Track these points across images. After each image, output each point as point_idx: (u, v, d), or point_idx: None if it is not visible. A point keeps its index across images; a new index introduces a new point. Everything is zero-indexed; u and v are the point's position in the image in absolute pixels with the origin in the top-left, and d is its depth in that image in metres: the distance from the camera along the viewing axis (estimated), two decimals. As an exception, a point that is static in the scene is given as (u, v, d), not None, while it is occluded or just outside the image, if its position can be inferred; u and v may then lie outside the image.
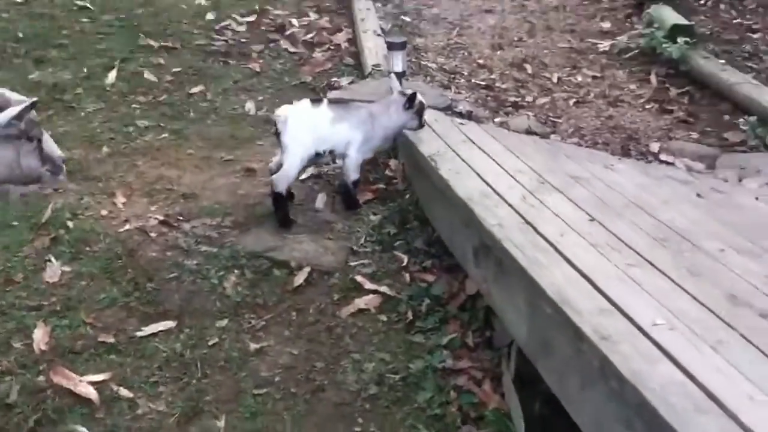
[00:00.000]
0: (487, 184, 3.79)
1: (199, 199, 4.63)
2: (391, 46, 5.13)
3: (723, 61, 6.36)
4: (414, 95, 4.33)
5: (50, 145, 3.09)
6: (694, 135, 5.59)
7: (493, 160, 4.21)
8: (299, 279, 3.96)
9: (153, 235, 4.23)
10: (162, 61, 6.39)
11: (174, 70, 6.24)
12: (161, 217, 4.38)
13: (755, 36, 6.97)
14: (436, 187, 4.00)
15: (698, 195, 4.25)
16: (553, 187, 3.91)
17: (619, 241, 3.29)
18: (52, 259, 3.93)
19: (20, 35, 6.74)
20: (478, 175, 3.92)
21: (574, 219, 3.48)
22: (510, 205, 3.53)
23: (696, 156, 5.29)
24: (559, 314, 2.63)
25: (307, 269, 4.02)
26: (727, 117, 5.83)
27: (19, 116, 2.84)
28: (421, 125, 4.35)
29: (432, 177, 4.05)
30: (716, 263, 3.21)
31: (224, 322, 3.68)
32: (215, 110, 5.68)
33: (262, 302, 3.82)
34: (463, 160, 4.12)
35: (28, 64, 6.25)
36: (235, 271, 4.00)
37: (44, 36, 6.77)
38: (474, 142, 4.51)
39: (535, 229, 3.28)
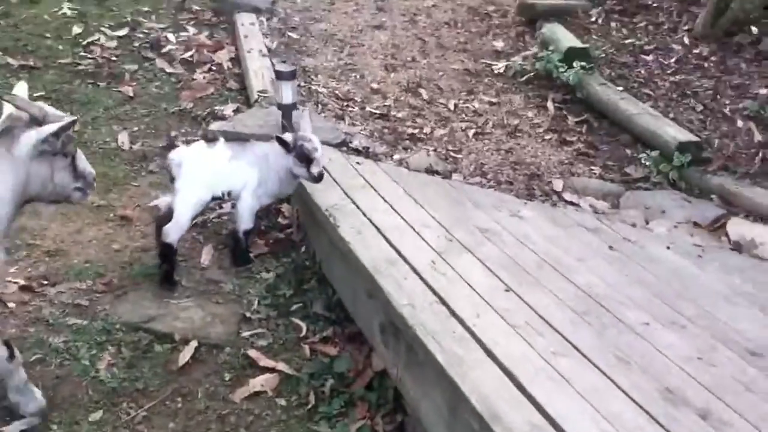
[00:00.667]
0: (392, 246, 3.47)
1: (67, 256, 4.09)
2: (279, 76, 4.67)
3: (620, 87, 6.23)
4: (282, 139, 3.86)
5: (83, 162, 3.01)
6: (596, 170, 5.42)
7: (396, 212, 3.89)
8: (185, 356, 3.51)
9: (12, 305, 3.68)
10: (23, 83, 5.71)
11: (36, 94, 5.56)
12: (22, 282, 3.84)
13: (649, 58, 6.90)
14: (336, 246, 3.64)
15: (610, 247, 4.05)
16: (462, 246, 3.63)
17: (539, 318, 3.04)
18: None
19: None
20: (382, 234, 3.59)
21: (489, 290, 3.20)
22: (419, 275, 3.23)
23: (600, 194, 5.12)
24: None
25: (194, 344, 3.57)
26: (627, 150, 5.70)
27: (56, 134, 2.74)
28: (314, 177, 3.83)
29: (331, 235, 3.69)
30: (643, 343, 3.00)
31: (98, 415, 3.20)
32: (84, 144, 5.07)
33: (142, 387, 3.35)
34: (364, 214, 3.78)
35: None
36: (110, 348, 3.52)
37: None
38: (374, 188, 4.18)
39: (449, 308, 2.98)
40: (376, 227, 3.64)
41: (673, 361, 2.89)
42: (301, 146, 3.79)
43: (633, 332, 3.08)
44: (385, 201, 4.02)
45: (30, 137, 2.75)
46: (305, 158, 3.79)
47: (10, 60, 5.99)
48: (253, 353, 3.57)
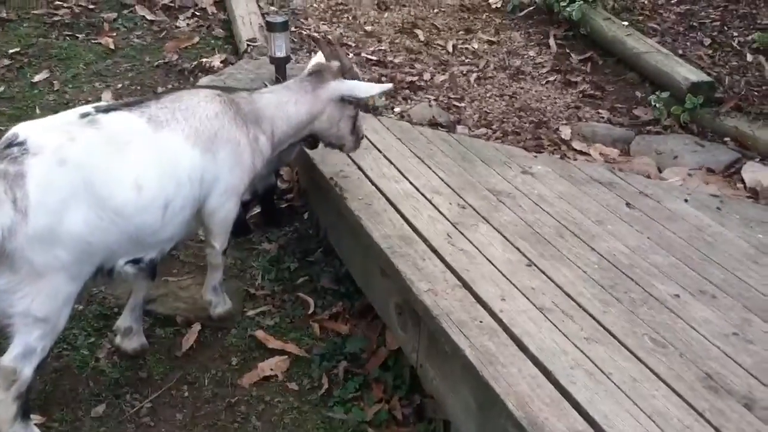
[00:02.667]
0: (405, 220, 3.27)
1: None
2: (270, 27, 4.39)
3: (625, 22, 5.93)
4: None
5: (361, 120, 3.38)
6: (603, 113, 5.19)
7: (404, 176, 3.69)
8: (189, 340, 3.34)
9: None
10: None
11: (11, 51, 5.25)
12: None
13: (651, -14, 6.60)
14: (344, 218, 3.43)
15: (628, 204, 3.86)
16: (476, 213, 3.44)
17: (566, 297, 2.87)
18: None
19: None
20: (393, 205, 3.38)
21: (511, 266, 3.02)
22: (437, 253, 3.04)
23: (609, 140, 4.91)
24: (528, 441, 2.17)
25: (197, 326, 3.39)
26: (635, 91, 5.45)
27: (374, 94, 3.34)
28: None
29: (339, 207, 3.48)
30: (676, 320, 2.84)
31: (101, 409, 3.03)
32: (66, 104, 4.79)
33: (145, 375, 3.19)
34: (372, 182, 3.57)
35: None
36: (109, 334, 3.32)
37: None
38: (378, 149, 3.96)
39: (472, 292, 2.80)
40: (385, 197, 3.43)
41: (710, 339, 2.74)
42: None
43: (665, 308, 2.91)
44: (392, 164, 3.80)
45: (339, 86, 3.14)
46: None
47: (-21, 12, 5.64)
48: (260, 334, 3.40)
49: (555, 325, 2.66)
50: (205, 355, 3.31)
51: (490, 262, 3.03)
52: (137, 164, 2.59)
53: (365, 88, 3.21)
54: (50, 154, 2.43)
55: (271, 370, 3.26)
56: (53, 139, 2.47)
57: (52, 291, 2.49)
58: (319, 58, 3.32)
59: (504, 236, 3.27)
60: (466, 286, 2.83)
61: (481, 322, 2.62)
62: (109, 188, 2.51)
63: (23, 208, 2.33)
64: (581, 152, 4.69)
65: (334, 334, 3.43)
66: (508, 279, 2.92)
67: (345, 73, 3.18)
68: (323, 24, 5.92)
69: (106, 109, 2.65)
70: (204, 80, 4.74)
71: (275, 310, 3.55)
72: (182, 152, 2.73)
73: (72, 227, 2.43)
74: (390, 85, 3.33)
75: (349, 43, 5.67)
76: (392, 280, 3.00)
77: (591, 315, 2.77)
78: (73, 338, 3.30)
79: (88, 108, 2.66)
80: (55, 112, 4.63)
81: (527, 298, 2.81)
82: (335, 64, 3.18)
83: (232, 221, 3.10)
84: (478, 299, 2.75)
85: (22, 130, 2.47)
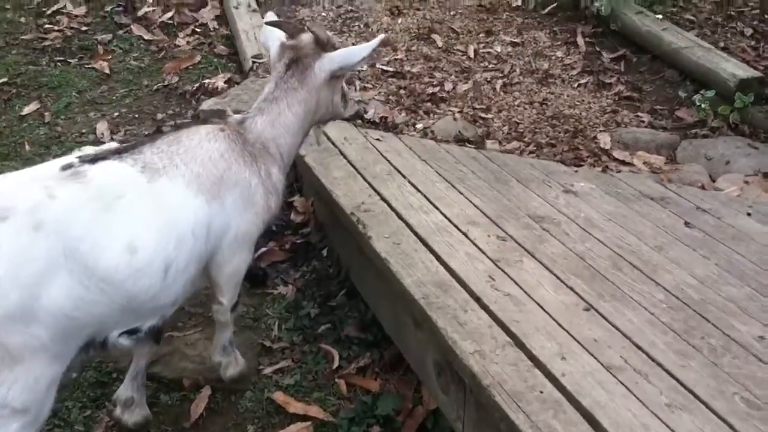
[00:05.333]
0: (440, 260, 2.85)
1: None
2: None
3: (659, 15, 5.48)
4: None
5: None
6: (644, 117, 4.74)
7: (434, 206, 3.27)
8: (198, 408, 2.92)
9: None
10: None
11: (0, 80, 4.88)
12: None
13: (682, -26, 6.14)
14: (370, 260, 3.01)
15: (686, 224, 3.42)
16: (519, 246, 3.02)
17: (636, 350, 2.44)
18: None
19: None
20: (424, 243, 2.96)
21: (567, 313, 2.60)
22: (480, 302, 2.61)
23: (653, 147, 4.47)
24: None
25: (208, 391, 2.98)
26: (676, 90, 5.00)
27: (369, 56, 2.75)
28: None
29: (362, 246, 3.06)
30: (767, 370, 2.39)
31: (102, 496, 2.64)
32: (58, 138, 4.39)
33: (151, 453, 2.79)
34: (398, 216, 3.16)
35: None
36: (108, 404, 2.92)
37: None
38: (402, 174, 3.55)
39: (526, 350, 2.37)
40: (415, 234, 3.02)
41: (814, 397, 2.30)
42: None
43: (750, 354, 2.48)
44: (418, 191, 3.39)
45: (327, 64, 2.67)
46: None
47: (-34, 39, 5.26)
48: (279, 396, 2.97)
49: (629, 389, 2.23)
50: (217, 424, 2.90)
51: (542, 308, 2.61)
52: (131, 223, 2.19)
53: (357, 54, 2.71)
54: (23, 217, 2.02)
55: (295, 439, 2.84)
56: (27, 198, 2.07)
57: (32, 376, 2.08)
58: (271, 36, 2.75)
59: (554, 273, 2.85)
60: (518, 343, 2.40)
61: (541, 392, 2.19)
62: (95, 254, 2.10)
63: None
64: (624, 162, 4.25)
65: (362, 392, 3.01)
66: (565, 330, 2.49)
67: (324, 45, 2.69)
68: (333, 34, 5.48)
69: (93, 159, 2.24)
70: (207, 104, 4.32)
71: (295, 365, 3.13)
72: (184, 203, 2.33)
73: (51, 302, 2.03)
74: (381, 37, 2.80)
75: (363, 53, 5.25)
76: (429, 333, 2.58)
77: (668, 372, 2.34)
78: (66, 412, 2.89)
79: (70, 158, 2.25)
80: (47, 146, 4.32)
81: (591, 354, 2.38)
82: (306, 38, 2.67)
83: (243, 273, 2.69)
84: (534, 360, 2.33)
85: None
